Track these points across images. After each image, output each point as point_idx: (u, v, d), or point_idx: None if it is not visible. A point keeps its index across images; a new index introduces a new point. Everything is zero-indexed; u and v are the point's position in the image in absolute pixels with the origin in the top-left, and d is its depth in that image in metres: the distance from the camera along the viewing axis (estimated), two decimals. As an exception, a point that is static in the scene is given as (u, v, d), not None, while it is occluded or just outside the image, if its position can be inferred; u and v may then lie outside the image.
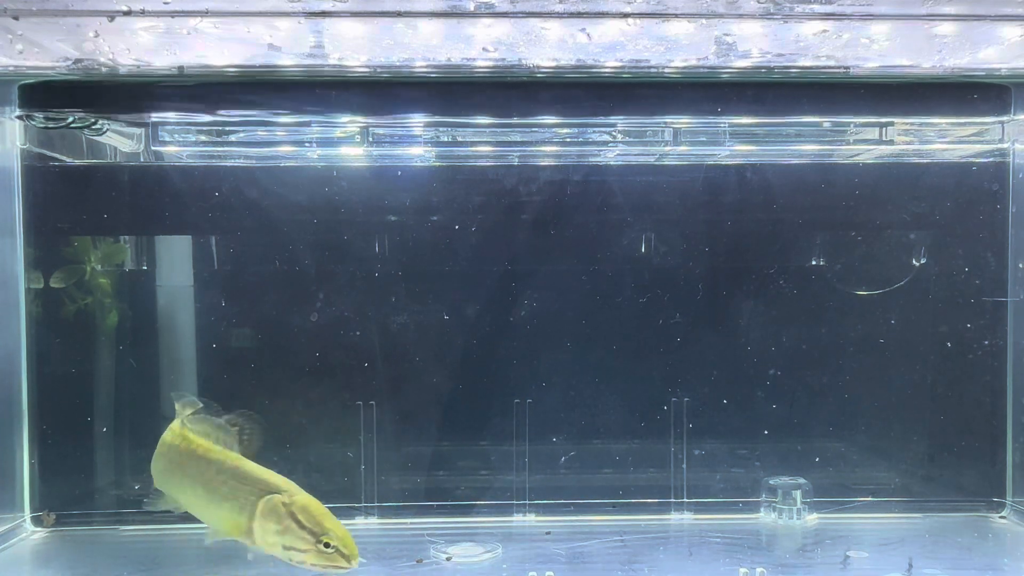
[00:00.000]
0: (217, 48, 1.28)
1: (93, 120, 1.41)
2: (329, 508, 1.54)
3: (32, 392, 1.51)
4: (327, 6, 1.13)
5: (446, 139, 1.52)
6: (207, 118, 1.41)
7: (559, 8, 1.14)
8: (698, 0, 1.13)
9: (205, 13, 1.15)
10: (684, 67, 1.35)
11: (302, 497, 1.11)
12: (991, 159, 1.56)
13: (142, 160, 1.51)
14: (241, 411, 1.19)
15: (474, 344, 1.57)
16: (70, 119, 1.40)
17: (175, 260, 1.57)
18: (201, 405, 1.22)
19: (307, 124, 1.44)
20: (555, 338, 1.57)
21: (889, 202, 1.58)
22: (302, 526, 1.08)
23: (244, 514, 1.10)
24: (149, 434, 1.55)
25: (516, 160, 1.56)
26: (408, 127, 1.47)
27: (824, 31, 1.23)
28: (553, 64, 1.34)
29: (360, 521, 1.54)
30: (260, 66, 1.34)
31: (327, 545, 1.07)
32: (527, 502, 1.55)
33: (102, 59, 1.30)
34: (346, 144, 1.51)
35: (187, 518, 1.51)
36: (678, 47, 1.28)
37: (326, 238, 1.56)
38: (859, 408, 1.59)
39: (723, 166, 1.57)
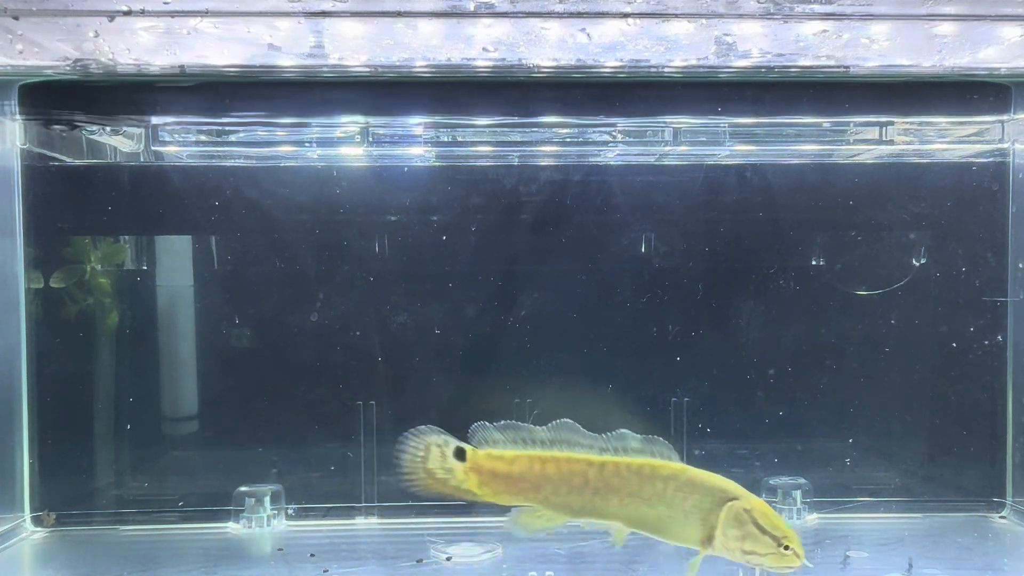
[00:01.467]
0: (217, 48, 1.28)
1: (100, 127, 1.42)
2: (329, 508, 1.55)
3: (32, 392, 1.50)
4: (327, 6, 1.13)
5: (446, 139, 1.52)
6: (207, 118, 1.41)
7: (559, 8, 1.14)
8: (698, 0, 1.13)
9: (205, 13, 1.15)
10: (684, 67, 1.35)
11: (755, 501, 1.10)
12: (991, 159, 1.56)
13: (142, 160, 1.51)
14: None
15: (474, 344, 1.57)
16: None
17: (175, 260, 1.57)
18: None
19: (307, 124, 1.44)
20: (555, 338, 1.57)
21: (889, 202, 1.58)
22: (763, 531, 1.08)
23: (707, 524, 1.10)
24: (149, 434, 1.56)
25: (516, 160, 1.56)
26: (408, 127, 1.47)
27: (824, 31, 1.23)
28: (553, 64, 1.34)
29: (360, 521, 1.54)
30: (260, 66, 1.34)
31: (786, 547, 1.07)
32: (527, 502, 1.54)
33: (102, 59, 1.30)
34: (346, 144, 1.51)
35: (187, 518, 1.52)
36: (678, 47, 1.28)
37: (326, 238, 1.56)
38: (859, 408, 1.59)
39: (723, 166, 1.57)
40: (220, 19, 1.17)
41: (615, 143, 1.52)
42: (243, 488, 1.49)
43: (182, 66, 1.33)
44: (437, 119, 1.45)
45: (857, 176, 1.58)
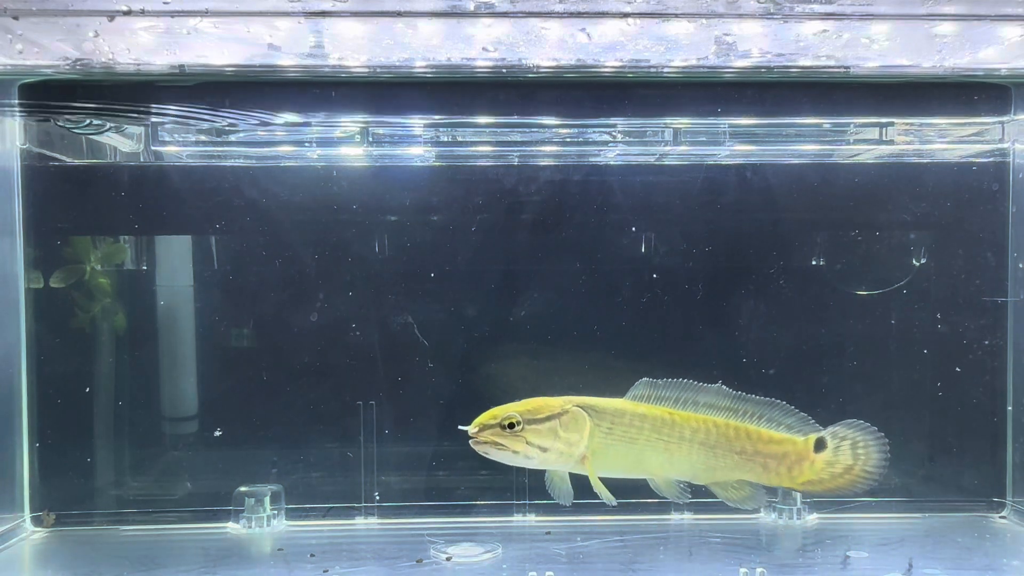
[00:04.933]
0: (217, 48, 1.28)
1: (104, 125, 1.42)
2: (327, 508, 1.55)
3: (32, 392, 1.51)
4: (327, 6, 1.13)
5: (446, 139, 1.52)
6: (207, 117, 1.41)
7: (559, 8, 1.14)
8: (698, 0, 1.13)
9: (205, 13, 1.15)
10: (684, 67, 1.35)
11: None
12: (991, 159, 1.56)
13: (142, 160, 1.51)
14: None
15: (475, 343, 1.57)
16: (87, 121, 1.40)
17: (175, 260, 1.57)
18: None
19: (307, 124, 1.44)
20: (556, 337, 1.57)
21: (889, 202, 1.58)
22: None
23: None
24: (149, 434, 1.56)
25: (516, 160, 1.56)
26: (408, 127, 1.47)
27: (824, 31, 1.23)
28: (553, 64, 1.34)
29: (360, 521, 1.54)
30: (260, 66, 1.34)
31: None
32: (527, 502, 1.55)
33: (102, 59, 1.30)
34: (346, 144, 1.51)
35: (187, 518, 1.52)
36: (678, 47, 1.28)
37: (326, 238, 1.56)
38: (859, 408, 1.58)
39: (723, 166, 1.57)
40: (220, 19, 1.17)
41: (615, 143, 1.52)
42: (243, 488, 1.49)
43: (182, 66, 1.33)
44: (437, 119, 1.45)
45: (857, 176, 1.58)
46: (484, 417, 1.14)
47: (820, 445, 1.20)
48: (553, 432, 1.14)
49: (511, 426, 1.13)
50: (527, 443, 1.13)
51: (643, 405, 1.18)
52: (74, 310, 1.53)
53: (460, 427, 1.16)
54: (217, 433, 1.53)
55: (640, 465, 1.17)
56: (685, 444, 1.17)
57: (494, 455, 1.13)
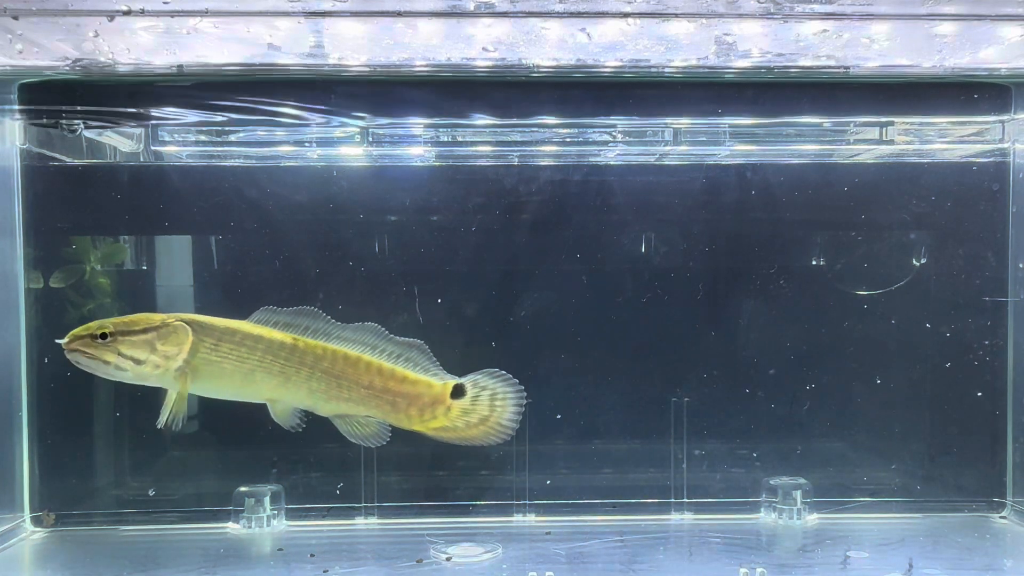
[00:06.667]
0: (217, 48, 1.28)
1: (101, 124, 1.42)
2: (328, 508, 1.55)
3: (32, 392, 1.50)
4: (327, 6, 1.13)
5: (446, 139, 1.52)
6: (207, 117, 1.41)
7: (559, 8, 1.15)
8: (698, 0, 1.14)
9: (205, 13, 1.15)
10: (684, 67, 1.35)
11: None
12: (991, 159, 1.56)
13: (142, 160, 1.51)
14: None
15: (474, 343, 1.57)
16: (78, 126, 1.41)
17: (175, 260, 1.57)
18: None
19: (307, 124, 1.44)
20: (555, 338, 1.57)
21: (889, 202, 1.58)
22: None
23: None
24: (149, 434, 1.56)
25: (516, 160, 1.56)
26: (408, 127, 1.47)
27: (824, 31, 1.23)
28: (553, 64, 1.34)
29: (360, 521, 1.54)
30: (260, 65, 1.34)
31: None
32: (527, 502, 1.55)
33: (102, 59, 1.30)
34: (346, 144, 1.51)
35: (187, 518, 1.52)
36: (678, 47, 1.28)
37: (326, 238, 1.56)
38: (859, 408, 1.59)
39: (723, 166, 1.57)
40: (220, 19, 1.17)
41: (615, 143, 1.52)
42: (243, 488, 1.49)
43: (181, 65, 1.33)
44: (437, 119, 1.45)
45: (857, 176, 1.58)
46: (80, 328, 1.14)
47: (458, 392, 1.18)
48: (149, 344, 1.13)
49: (103, 336, 1.12)
50: (119, 354, 1.13)
51: (263, 328, 1.17)
52: (73, 310, 1.53)
53: (56, 340, 1.15)
54: (151, 492, 1.53)
55: (250, 386, 1.16)
56: (305, 370, 1.16)
57: (85, 365, 1.13)
